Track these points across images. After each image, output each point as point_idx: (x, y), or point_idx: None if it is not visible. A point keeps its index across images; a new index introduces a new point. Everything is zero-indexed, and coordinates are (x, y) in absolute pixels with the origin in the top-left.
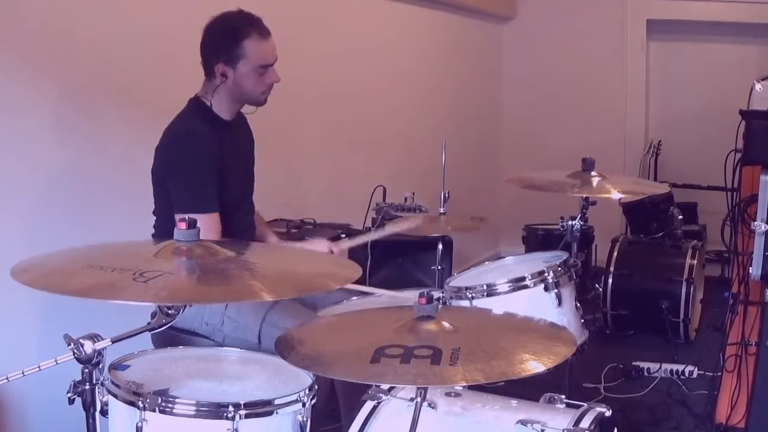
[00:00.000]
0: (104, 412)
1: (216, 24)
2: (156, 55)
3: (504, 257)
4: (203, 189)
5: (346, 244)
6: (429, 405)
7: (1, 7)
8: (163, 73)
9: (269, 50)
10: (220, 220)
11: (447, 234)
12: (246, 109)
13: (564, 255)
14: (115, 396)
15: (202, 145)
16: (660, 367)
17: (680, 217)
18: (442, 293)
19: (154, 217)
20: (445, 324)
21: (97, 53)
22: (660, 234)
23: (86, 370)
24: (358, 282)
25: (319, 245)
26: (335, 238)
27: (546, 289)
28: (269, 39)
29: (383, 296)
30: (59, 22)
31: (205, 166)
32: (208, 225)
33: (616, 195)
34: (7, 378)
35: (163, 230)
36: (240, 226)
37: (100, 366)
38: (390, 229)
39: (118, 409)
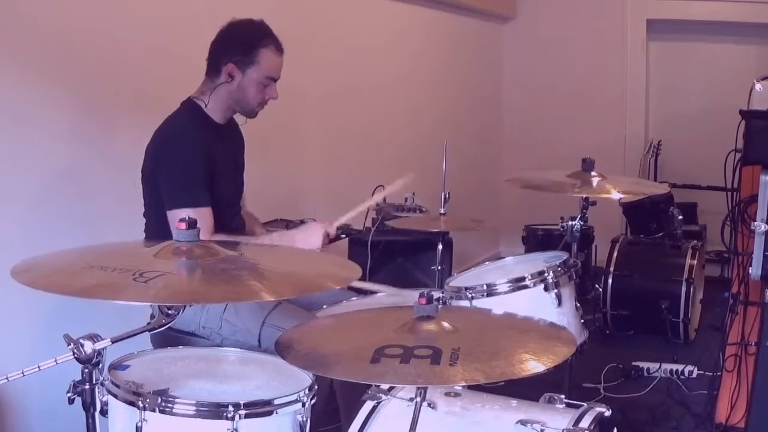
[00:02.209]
0: (104, 412)
1: (238, 26)
2: (163, 57)
3: (504, 257)
4: (194, 184)
5: (339, 221)
6: (429, 405)
7: (6, 8)
8: (169, 75)
9: (280, 66)
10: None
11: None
12: (236, 120)
13: (564, 255)
14: (115, 396)
15: (192, 143)
16: (660, 367)
17: (680, 217)
18: (442, 293)
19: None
20: (445, 324)
21: (105, 55)
22: (660, 234)
23: (86, 370)
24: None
25: (314, 236)
26: (335, 238)
27: (546, 289)
28: (282, 56)
29: (384, 295)
30: (66, 23)
31: (194, 162)
32: (200, 220)
33: (616, 195)
34: (7, 378)
35: (154, 231)
36: (227, 230)
37: (100, 366)
38: (377, 197)
39: (117, 409)
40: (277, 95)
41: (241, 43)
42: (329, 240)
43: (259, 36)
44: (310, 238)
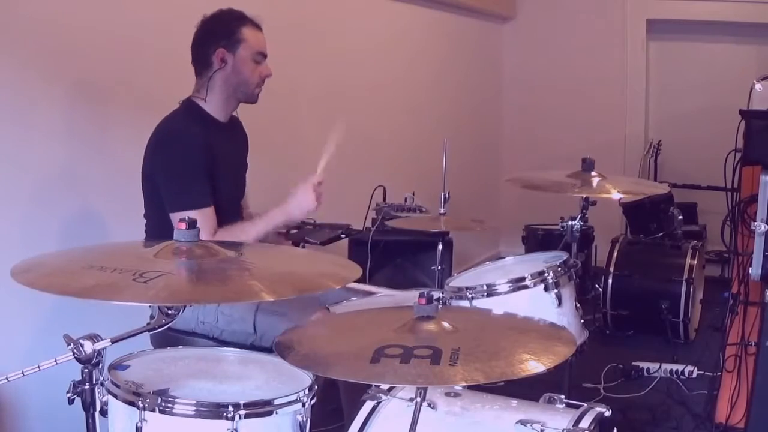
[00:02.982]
0: (104, 412)
1: (212, 17)
2: (163, 56)
3: (504, 257)
4: (194, 185)
5: (320, 167)
6: (429, 405)
7: (5, 7)
8: (168, 75)
9: (264, 40)
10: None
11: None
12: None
13: (564, 255)
14: (115, 396)
15: (191, 143)
16: (660, 367)
17: (680, 217)
18: (442, 293)
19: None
20: (445, 324)
21: (103, 55)
22: (660, 234)
23: (86, 370)
24: (357, 282)
25: (305, 198)
26: (335, 238)
27: (546, 289)
28: (262, 32)
29: (383, 296)
30: (65, 22)
31: (194, 162)
32: (203, 220)
33: (616, 195)
34: (7, 378)
35: (154, 232)
36: None
37: (100, 366)
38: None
39: (117, 409)
40: (271, 72)
41: (221, 29)
42: (319, 189)
43: (235, 18)
44: (302, 203)
